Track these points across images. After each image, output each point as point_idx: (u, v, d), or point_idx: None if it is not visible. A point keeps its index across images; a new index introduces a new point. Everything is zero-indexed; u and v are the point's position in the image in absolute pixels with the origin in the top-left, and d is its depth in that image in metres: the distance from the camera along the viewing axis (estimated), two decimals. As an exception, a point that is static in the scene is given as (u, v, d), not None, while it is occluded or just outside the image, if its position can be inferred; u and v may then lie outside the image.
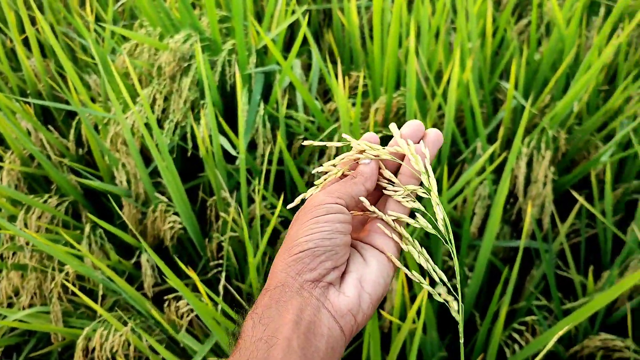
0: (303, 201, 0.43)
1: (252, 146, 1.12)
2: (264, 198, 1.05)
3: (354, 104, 1.20)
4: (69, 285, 0.86)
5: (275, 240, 1.08)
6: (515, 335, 0.93)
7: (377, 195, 0.45)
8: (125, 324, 0.88)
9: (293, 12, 1.28)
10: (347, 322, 0.38)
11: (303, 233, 0.38)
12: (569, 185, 1.09)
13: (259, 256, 0.87)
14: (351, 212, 0.41)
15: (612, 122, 1.09)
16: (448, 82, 1.11)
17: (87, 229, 1.00)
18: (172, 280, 0.75)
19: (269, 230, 0.84)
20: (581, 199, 0.96)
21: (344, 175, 0.43)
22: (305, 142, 0.44)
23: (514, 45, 1.11)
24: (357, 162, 0.43)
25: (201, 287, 0.79)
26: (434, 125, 1.09)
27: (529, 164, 1.09)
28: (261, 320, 0.36)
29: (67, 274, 0.97)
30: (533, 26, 1.18)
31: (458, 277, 0.38)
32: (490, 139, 1.11)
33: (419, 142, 0.42)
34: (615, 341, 0.92)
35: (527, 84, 1.18)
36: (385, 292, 0.40)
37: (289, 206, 0.43)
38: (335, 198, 0.40)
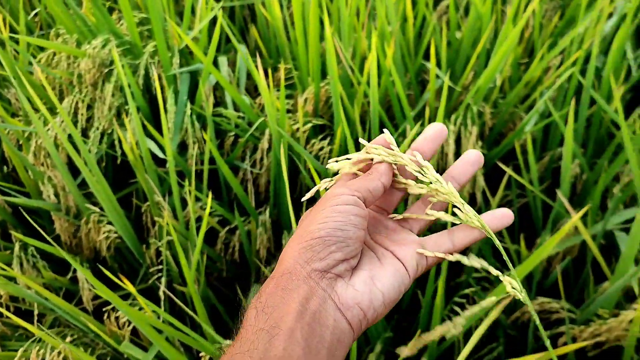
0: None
1: (184, 147, 1.11)
2: (198, 199, 1.04)
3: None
4: (1, 309, 0.83)
5: (214, 241, 1.08)
6: (457, 309, 0.95)
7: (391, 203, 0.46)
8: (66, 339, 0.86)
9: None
10: (354, 316, 0.37)
11: (317, 221, 0.38)
12: (497, 158, 1.12)
13: (196, 257, 0.86)
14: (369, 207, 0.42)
15: (534, 92, 1.12)
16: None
17: (17, 248, 0.97)
18: (103, 292, 0.73)
19: (202, 229, 0.83)
20: (509, 170, 0.99)
21: (355, 175, 0.44)
22: (329, 164, 0.44)
23: (432, 25, 1.13)
24: (371, 163, 0.43)
25: (138, 296, 0.78)
26: (363, 112, 1.10)
27: (458, 141, 1.11)
28: (264, 309, 0.35)
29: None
30: (452, 7, 1.20)
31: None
32: (419, 120, 1.13)
33: (438, 146, 0.44)
34: (552, 303, 0.96)
35: (450, 63, 1.21)
36: (399, 298, 0.40)
37: (304, 198, 0.44)
38: (352, 191, 0.39)
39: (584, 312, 0.92)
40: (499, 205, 1.16)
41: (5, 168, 1.14)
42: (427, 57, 1.30)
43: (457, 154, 1.11)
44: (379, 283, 0.39)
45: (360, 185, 0.40)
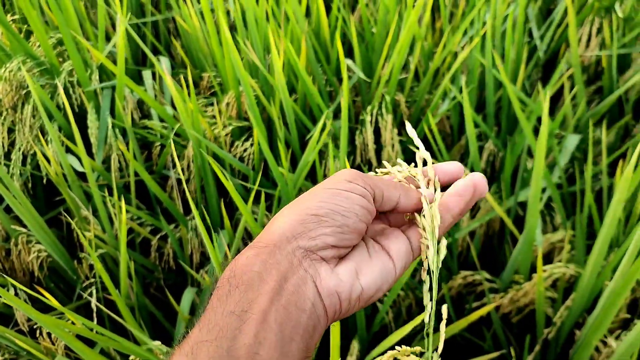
0: None
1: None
2: (129, 211, 1.06)
3: (210, 104, 1.23)
4: None
5: (147, 250, 1.09)
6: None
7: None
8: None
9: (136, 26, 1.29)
10: (331, 304, 0.34)
11: (318, 199, 0.35)
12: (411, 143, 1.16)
13: (123, 265, 0.87)
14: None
15: (443, 79, 1.17)
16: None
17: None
18: (26, 311, 0.74)
19: (122, 236, 0.85)
20: (422, 154, 1.03)
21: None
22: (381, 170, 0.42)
23: (340, 26, 1.17)
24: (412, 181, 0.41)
25: (65, 310, 0.79)
26: (281, 110, 1.13)
27: (377, 131, 1.15)
28: (238, 286, 0.32)
29: None
30: (362, 3, 1.25)
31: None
32: (337, 115, 1.16)
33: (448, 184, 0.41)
34: (474, 275, 1.00)
35: (367, 59, 1.25)
36: (378, 297, 0.37)
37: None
38: (366, 184, 0.36)
39: (502, 280, 0.97)
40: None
41: None
42: (350, 54, 1.34)
43: (377, 143, 1.15)
44: (362, 278, 0.36)
45: (377, 184, 0.37)
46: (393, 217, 0.42)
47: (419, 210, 0.39)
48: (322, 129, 1.11)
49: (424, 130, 1.12)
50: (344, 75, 1.07)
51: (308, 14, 1.38)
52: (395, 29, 1.15)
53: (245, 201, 1.00)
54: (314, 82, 1.22)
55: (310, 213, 0.34)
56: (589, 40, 1.40)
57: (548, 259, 1.01)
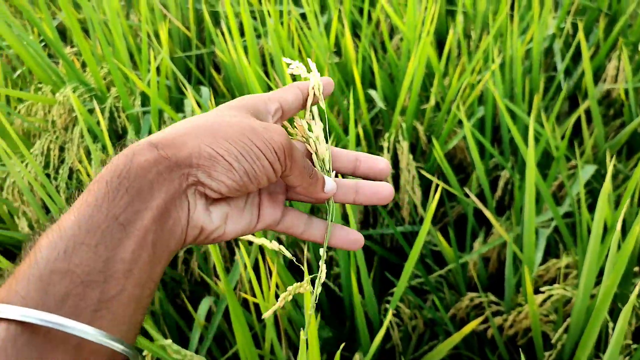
0: None
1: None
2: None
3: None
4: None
5: (175, 263, 1.18)
6: (401, 307, 1.03)
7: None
8: None
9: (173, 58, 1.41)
10: (192, 235, 0.35)
11: (240, 147, 0.34)
12: (433, 171, 1.21)
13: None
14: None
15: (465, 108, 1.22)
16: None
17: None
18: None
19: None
20: (435, 179, 1.08)
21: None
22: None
23: (362, 55, 1.25)
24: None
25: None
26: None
27: (395, 157, 1.21)
28: (129, 189, 0.31)
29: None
30: (385, 34, 1.32)
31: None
32: (360, 143, 1.23)
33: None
34: (481, 297, 1.03)
35: (391, 89, 1.31)
36: (227, 238, 0.38)
37: None
38: (279, 158, 0.35)
39: (505, 302, 0.99)
40: (438, 215, 1.25)
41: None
42: (373, 85, 1.41)
43: (395, 168, 1.21)
44: (229, 224, 0.37)
45: (289, 164, 0.37)
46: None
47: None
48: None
49: (437, 159, 1.17)
50: (362, 105, 1.14)
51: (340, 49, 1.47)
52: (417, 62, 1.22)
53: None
54: (339, 112, 1.29)
55: (225, 156, 0.33)
56: (617, 74, 1.42)
57: (556, 283, 1.02)
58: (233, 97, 1.46)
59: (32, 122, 1.26)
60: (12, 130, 1.01)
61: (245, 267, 1.01)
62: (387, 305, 1.03)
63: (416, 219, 1.19)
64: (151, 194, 0.31)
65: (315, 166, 0.42)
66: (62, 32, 1.79)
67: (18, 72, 1.46)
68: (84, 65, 1.44)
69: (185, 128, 0.34)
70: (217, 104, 1.44)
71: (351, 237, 0.43)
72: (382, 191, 0.42)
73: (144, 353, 0.87)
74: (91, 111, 1.24)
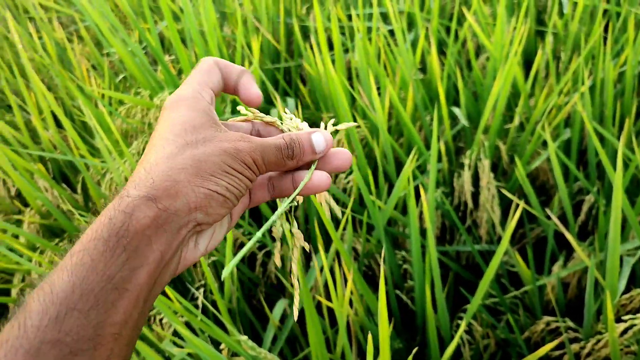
0: None
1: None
2: (239, 226, 1.20)
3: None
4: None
5: (252, 264, 1.22)
6: (474, 325, 1.02)
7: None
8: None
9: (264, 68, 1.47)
10: (179, 272, 0.35)
11: (226, 178, 0.34)
12: (514, 190, 1.19)
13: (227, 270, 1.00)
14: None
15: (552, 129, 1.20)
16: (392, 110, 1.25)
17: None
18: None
19: (229, 243, 0.98)
20: (516, 199, 1.07)
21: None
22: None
23: (447, 72, 1.25)
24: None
25: (175, 302, 0.93)
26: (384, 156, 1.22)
27: (476, 175, 1.21)
28: (127, 248, 0.30)
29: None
30: (472, 52, 1.32)
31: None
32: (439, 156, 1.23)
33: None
34: (558, 322, 1.00)
35: (474, 107, 1.31)
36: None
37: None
38: (261, 173, 0.37)
39: (585, 329, 0.96)
40: (517, 235, 1.23)
41: (85, 200, 1.36)
42: (457, 102, 1.41)
43: (475, 186, 1.20)
44: (211, 242, 0.38)
45: (272, 168, 0.38)
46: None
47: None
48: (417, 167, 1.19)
49: (519, 179, 1.16)
50: (446, 121, 1.15)
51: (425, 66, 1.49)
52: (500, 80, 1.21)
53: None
54: (421, 127, 1.30)
55: (218, 191, 0.34)
56: None
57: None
58: (317, 108, 1.50)
59: (130, 123, 1.35)
60: (115, 129, 1.09)
61: (322, 270, 1.04)
62: (460, 322, 1.03)
63: (494, 238, 1.18)
64: (149, 249, 0.31)
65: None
66: (160, 41, 1.90)
67: (121, 76, 1.57)
68: (180, 72, 1.53)
69: (172, 169, 0.33)
70: (303, 115, 1.49)
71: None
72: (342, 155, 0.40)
73: (221, 347, 0.91)
74: (185, 116, 1.32)
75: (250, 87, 0.40)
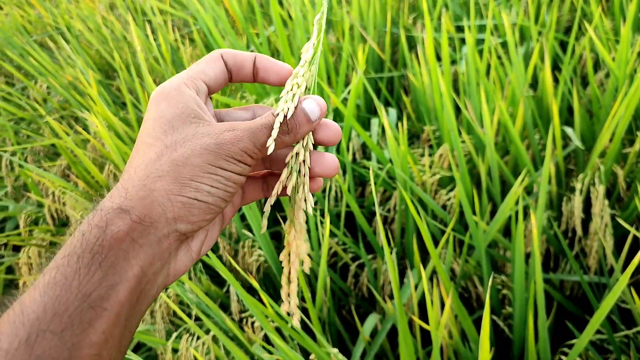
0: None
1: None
2: (335, 235, 1.19)
3: (424, 155, 1.33)
4: (172, 305, 1.04)
5: (345, 274, 1.21)
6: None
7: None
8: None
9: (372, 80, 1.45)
10: (169, 282, 0.34)
11: (208, 180, 0.32)
12: (629, 219, 1.11)
13: (320, 285, 1.00)
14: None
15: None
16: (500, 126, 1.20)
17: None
18: (248, 301, 0.90)
19: (324, 250, 0.97)
20: (633, 230, 0.99)
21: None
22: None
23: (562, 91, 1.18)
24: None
25: (268, 308, 0.93)
26: (489, 174, 1.17)
27: (587, 200, 1.13)
28: (102, 263, 0.29)
29: (168, 297, 1.16)
30: (590, 68, 1.24)
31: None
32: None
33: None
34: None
35: (589, 128, 1.23)
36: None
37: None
38: (254, 160, 0.35)
39: None
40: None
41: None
42: (568, 121, 1.34)
43: (586, 213, 1.13)
44: (204, 246, 0.36)
45: (267, 150, 0.34)
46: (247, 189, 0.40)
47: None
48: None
49: (638, 208, 1.07)
50: (558, 142, 1.09)
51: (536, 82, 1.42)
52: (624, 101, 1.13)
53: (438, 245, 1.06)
54: (529, 147, 1.24)
55: (199, 198, 0.32)
56: None
57: None
58: (419, 120, 1.47)
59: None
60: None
61: (416, 287, 1.01)
62: (563, 358, 0.96)
63: (605, 269, 1.10)
64: (127, 264, 0.29)
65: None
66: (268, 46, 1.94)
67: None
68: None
69: (148, 178, 0.32)
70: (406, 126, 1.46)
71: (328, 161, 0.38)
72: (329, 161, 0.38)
73: (311, 357, 0.91)
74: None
75: (273, 64, 0.38)
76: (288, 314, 0.40)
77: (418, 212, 1.10)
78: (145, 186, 0.31)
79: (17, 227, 1.77)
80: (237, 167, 0.33)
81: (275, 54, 1.81)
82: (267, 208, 0.38)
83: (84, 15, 2.19)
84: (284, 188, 0.38)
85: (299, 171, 0.38)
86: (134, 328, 0.31)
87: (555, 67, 1.53)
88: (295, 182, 0.38)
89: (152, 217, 0.31)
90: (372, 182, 0.74)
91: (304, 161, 0.37)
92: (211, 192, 0.32)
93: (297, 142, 0.37)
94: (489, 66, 1.37)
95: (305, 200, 0.38)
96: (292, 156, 0.37)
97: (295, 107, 0.35)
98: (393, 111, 1.45)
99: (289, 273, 0.40)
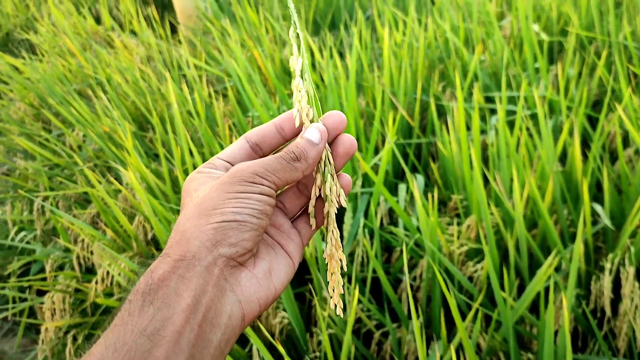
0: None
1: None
2: (360, 301, 1.19)
3: (452, 224, 1.33)
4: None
5: (368, 342, 1.20)
6: None
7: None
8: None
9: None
10: (251, 311, 0.35)
11: (230, 204, 0.34)
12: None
13: (345, 345, 1.00)
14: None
15: None
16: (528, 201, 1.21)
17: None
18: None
19: (351, 318, 0.97)
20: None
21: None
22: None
23: (592, 168, 1.19)
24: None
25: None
26: (516, 247, 1.17)
27: (617, 280, 1.12)
28: (153, 302, 0.31)
29: None
30: (619, 144, 1.25)
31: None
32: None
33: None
34: None
35: (618, 206, 1.23)
36: (281, 292, 0.38)
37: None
38: (271, 182, 0.37)
39: None
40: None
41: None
42: (597, 197, 1.34)
43: (615, 293, 1.12)
44: (275, 277, 0.37)
45: (283, 176, 0.37)
46: (288, 200, 0.42)
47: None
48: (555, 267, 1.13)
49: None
50: (588, 219, 1.09)
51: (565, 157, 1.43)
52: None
53: (464, 318, 1.06)
54: (556, 222, 1.24)
55: (226, 220, 0.34)
56: None
57: None
58: (447, 187, 1.48)
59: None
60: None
61: (441, 359, 1.00)
62: None
63: (634, 352, 1.08)
64: (178, 298, 0.31)
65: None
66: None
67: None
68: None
69: (178, 225, 0.35)
70: (430, 192, 1.47)
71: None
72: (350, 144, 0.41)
73: None
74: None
75: (290, 115, 0.41)
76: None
77: (446, 284, 1.10)
78: (178, 231, 0.35)
79: (41, 270, 1.80)
80: (252, 187, 0.36)
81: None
82: (311, 208, 0.41)
83: (122, 67, 2.27)
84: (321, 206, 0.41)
85: (326, 172, 0.41)
86: (208, 357, 0.32)
87: (584, 141, 1.54)
88: (323, 179, 0.41)
89: (192, 251, 0.33)
90: (404, 252, 0.75)
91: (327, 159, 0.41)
92: (236, 211, 0.34)
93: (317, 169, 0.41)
94: (518, 139, 1.39)
95: (339, 195, 0.41)
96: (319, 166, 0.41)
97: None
98: (421, 178, 1.47)
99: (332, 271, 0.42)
